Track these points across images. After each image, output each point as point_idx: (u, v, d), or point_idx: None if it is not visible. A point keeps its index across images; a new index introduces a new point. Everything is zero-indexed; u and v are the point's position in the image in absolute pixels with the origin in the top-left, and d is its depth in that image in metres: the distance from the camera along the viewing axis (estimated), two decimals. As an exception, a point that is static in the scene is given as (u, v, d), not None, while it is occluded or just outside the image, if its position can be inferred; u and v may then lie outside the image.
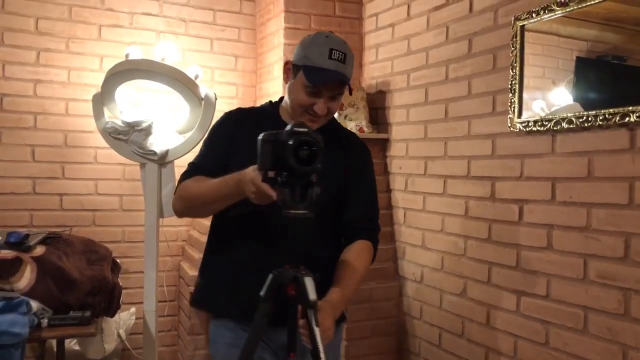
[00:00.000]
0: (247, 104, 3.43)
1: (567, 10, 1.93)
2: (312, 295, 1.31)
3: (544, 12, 2.01)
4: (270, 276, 1.34)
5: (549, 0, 2.00)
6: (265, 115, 1.66)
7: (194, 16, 3.37)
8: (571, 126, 1.89)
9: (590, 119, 1.84)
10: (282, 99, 1.67)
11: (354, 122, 2.89)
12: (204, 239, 3.02)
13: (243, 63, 3.49)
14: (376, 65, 3.10)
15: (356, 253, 1.60)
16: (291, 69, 1.57)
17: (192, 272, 2.99)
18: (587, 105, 1.89)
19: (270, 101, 1.73)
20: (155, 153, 2.59)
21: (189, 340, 3.00)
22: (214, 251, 1.69)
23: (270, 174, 1.28)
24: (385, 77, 3.01)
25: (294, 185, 1.24)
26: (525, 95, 2.11)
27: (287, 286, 1.32)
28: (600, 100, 1.87)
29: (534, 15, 2.05)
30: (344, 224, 1.64)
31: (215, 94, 2.68)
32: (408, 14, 2.82)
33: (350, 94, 1.57)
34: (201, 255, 2.97)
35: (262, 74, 3.43)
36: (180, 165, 3.07)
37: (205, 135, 1.71)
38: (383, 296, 2.87)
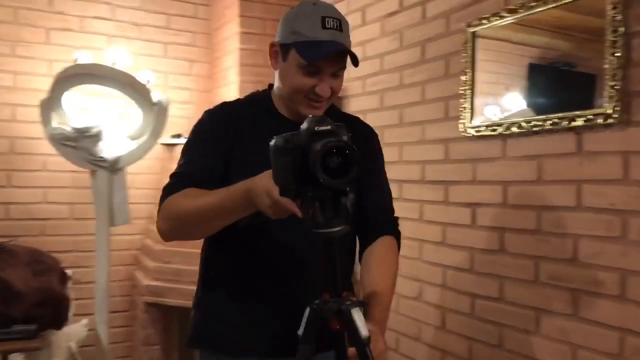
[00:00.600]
0: (201, 109, 3.35)
1: (517, 17, 1.96)
2: (363, 330, 1.05)
3: (494, 19, 2.04)
4: (308, 310, 1.09)
5: (499, 7, 2.04)
6: (259, 107, 1.41)
7: (147, 20, 3.31)
8: (521, 131, 1.93)
9: (539, 123, 1.87)
10: (270, 86, 1.45)
11: (310, 127, 2.88)
12: (158, 247, 2.97)
13: (198, 68, 3.45)
14: (332, 71, 3.09)
15: (384, 254, 1.41)
16: (279, 51, 1.33)
17: (146, 281, 2.92)
18: (538, 110, 1.93)
19: (259, 90, 1.49)
20: (105, 160, 2.53)
21: (144, 351, 2.93)
22: (215, 275, 1.41)
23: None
24: (342, 82, 3.01)
25: (323, 199, 1.00)
26: (478, 101, 2.14)
27: (330, 320, 1.06)
28: (550, 106, 1.92)
29: (484, 21, 2.08)
30: (361, 220, 1.41)
31: (168, 98, 2.63)
32: (363, 20, 2.84)
33: (356, 65, 1.30)
34: (155, 264, 2.92)
35: (218, 79, 3.39)
36: (133, 172, 3.01)
37: (187, 140, 1.42)
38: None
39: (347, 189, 1.00)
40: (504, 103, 2.07)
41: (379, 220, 1.45)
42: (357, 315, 1.06)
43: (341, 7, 2.97)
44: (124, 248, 3.24)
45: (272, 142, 1.02)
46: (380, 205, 1.48)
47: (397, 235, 1.48)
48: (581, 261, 1.76)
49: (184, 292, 2.80)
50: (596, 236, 1.72)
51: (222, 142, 1.34)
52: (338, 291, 1.07)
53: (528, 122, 1.91)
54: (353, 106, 2.91)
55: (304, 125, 1.02)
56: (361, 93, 2.85)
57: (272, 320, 1.32)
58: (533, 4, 1.90)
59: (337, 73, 1.30)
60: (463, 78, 2.17)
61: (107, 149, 2.56)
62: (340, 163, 0.96)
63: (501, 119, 2.04)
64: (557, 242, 1.83)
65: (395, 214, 1.53)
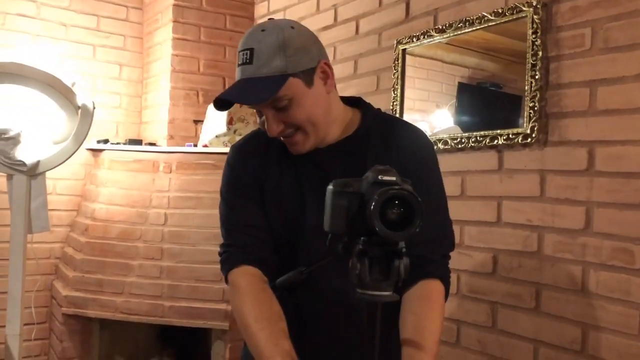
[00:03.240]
0: (132, 114, 3.28)
1: (445, 36, 2.02)
2: None
3: (424, 37, 2.10)
4: None
5: (428, 26, 2.10)
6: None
7: (75, 21, 3.18)
8: (446, 147, 1.98)
9: (463, 140, 1.93)
10: None
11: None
12: (79, 256, 2.85)
13: (128, 72, 3.34)
14: (266, 81, 3.08)
15: (424, 310, 1.12)
16: None
17: (65, 291, 2.79)
18: (465, 127, 1.99)
19: None
20: (24, 164, 2.40)
21: (60, 366, 2.79)
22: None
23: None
24: (275, 93, 3.00)
25: (374, 256, 0.89)
26: (408, 117, 2.18)
27: None
28: (475, 124, 1.98)
29: (414, 39, 2.13)
30: None
31: (93, 102, 2.53)
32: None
33: (311, 85, 1.13)
34: (76, 274, 2.80)
35: (149, 84, 3.30)
36: (55, 177, 2.88)
37: (222, 190, 1.27)
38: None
39: (403, 249, 0.89)
40: (433, 119, 2.13)
41: (423, 256, 1.13)
42: None
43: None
44: (43, 256, 3.08)
45: (330, 185, 0.95)
46: (427, 236, 1.09)
47: (445, 279, 1.17)
48: (500, 275, 1.82)
49: (105, 303, 2.69)
50: (514, 251, 1.78)
51: (256, 186, 1.22)
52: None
53: (453, 138, 1.97)
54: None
55: (368, 173, 0.93)
56: (294, 104, 2.85)
57: None
58: (460, 24, 1.96)
59: (279, 105, 1.11)
60: (393, 94, 2.21)
61: (27, 153, 2.43)
62: (400, 215, 0.86)
63: (430, 135, 2.09)
64: (478, 256, 1.88)
65: (452, 241, 1.24)
